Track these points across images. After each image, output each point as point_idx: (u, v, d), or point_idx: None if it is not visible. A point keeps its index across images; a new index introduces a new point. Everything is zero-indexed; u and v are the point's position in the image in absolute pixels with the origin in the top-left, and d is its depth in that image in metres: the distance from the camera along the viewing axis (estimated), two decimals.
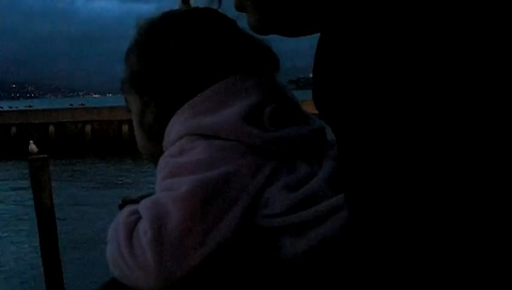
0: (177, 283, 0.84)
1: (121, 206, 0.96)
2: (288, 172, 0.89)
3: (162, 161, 0.93)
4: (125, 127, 31.57)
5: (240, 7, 0.72)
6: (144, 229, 0.85)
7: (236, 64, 0.96)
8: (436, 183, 0.47)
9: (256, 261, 0.85)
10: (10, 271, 11.76)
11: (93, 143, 33.66)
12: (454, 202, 0.46)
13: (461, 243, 0.46)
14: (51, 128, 34.59)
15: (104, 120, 34.32)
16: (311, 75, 0.59)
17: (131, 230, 0.87)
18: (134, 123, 1.03)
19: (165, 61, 0.96)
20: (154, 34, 0.99)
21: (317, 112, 0.61)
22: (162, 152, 0.95)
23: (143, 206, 0.88)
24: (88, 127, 34.57)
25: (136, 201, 0.94)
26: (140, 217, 0.88)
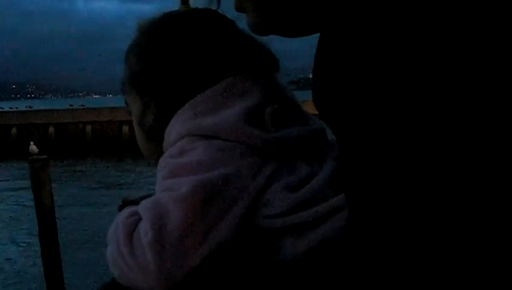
0: (178, 284, 0.84)
1: (121, 207, 0.96)
2: (288, 173, 0.89)
3: (162, 161, 0.93)
4: (125, 128, 31.58)
5: (239, 8, 0.72)
6: (144, 229, 0.85)
7: (237, 65, 0.96)
8: (436, 183, 0.47)
9: (257, 261, 0.85)
10: (10, 271, 11.76)
11: (93, 144, 33.67)
12: (454, 202, 0.46)
13: (461, 243, 0.46)
14: (51, 129, 34.59)
15: (104, 121, 34.34)
16: (311, 76, 0.59)
17: (131, 231, 0.87)
18: (135, 124, 1.03)
19: (165, 62, 0.96)
20: (154, 35, 0.99)
21: (317, 112, 0.61)
22: (162, 152, 0.95)
23: (143, 207, 0.88)
24: (88, 128, 34.58)
25: (136, 202, 0.94)
26: (140, 218, 0.88)
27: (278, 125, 0.92)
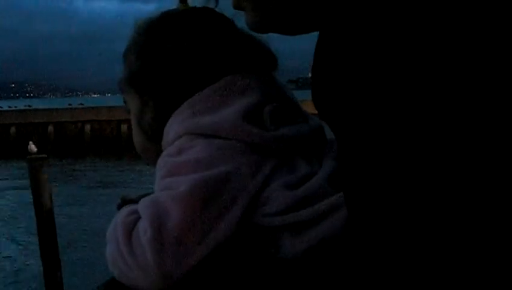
0: (177, 282, 0.84)
1: (120, 206, 0.96)
2: (288, 171, 0.89)
3: (160, 160, 0.93)
4: (124, 127, 31.54)
5: (238, 6, 0.72)
6: (143, 228, 0.85)
7: (235, 63, 0.96)
8: (436, 183, 0.47)
9: (256, 260, 0.85)
10: (10, 270, 11.75)
11: (92, 143, 33.63)
12: (454, 201, 0.46)
13: (461, 242, 0.46)
14: (50, 128, 34.56)
15: (103, 120, 34.30)
16: (310, 75, 0.59)
17: (130, 229, 0.87)
18: (133, 123, 1.03)
19: (164, 61, 0.96)
20: (153, 34, 0.99)
21: (316, 111, 0.61)
22: (161, 152, 0.95)
23: (142, 206, 0.88)
24: (87, 127, 34.55)
25: (135, 201, 0.94)
26: (139, 217, 0.88)
27: (277, 124, 0.92)
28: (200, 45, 0.96)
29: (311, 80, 0.58)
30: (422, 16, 0.48)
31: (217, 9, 1.01)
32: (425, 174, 0.47)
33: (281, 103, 0.95)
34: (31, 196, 9.99)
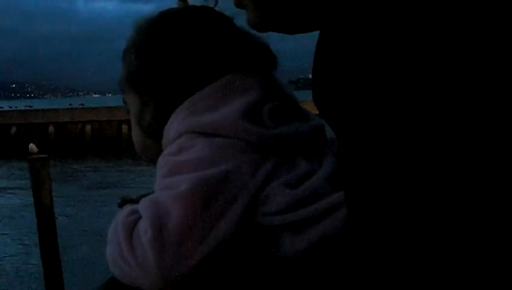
0: (178, 282, 0.84)
1: (120, 206, 0.96)
2: (288, 169, 0.89)
3: (161, 159, 0.93)
4: (124, 127, 31.49)
5: (239, 4, 0.72)
6: (144, 228, 0.85)
7: (235, 62, 0.96)
8: (436, 182, 0.47)
9: (256, 259, 0.85)
10: (10, 271, 11.74)
11: (92, 143, 33.62)
12: (453, 200, 0.46)
13: (461, 241, 0.46)
14: (51, 128, 34.53)
15: (103, 120, 34.28)
16: (310, 76, 0.59)
17: (131, 229, 0.87)
18: (133, 122, 1.03)
19: (164, 60, 0.96)
20: (153, 33, 0.99)
21: (317, 112, 0.62)
22: (161, 151, 0.95)
23: (143, 206, 0.88)
24: (88, 127, 34.52)
25: (136, 201, 0.94)
26: (139, 217, 0.88)
27: (277, 122, 0.92)
28: (200, 43, 0.96)
29: (311, 79, 0.58)
30: (422, 16, 0.48)
31: (216, 9, 1.01)
32: (425, 173, 0.47)
33: (281, 102, 0.95)
34: (32, 196, 9.99)
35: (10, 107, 45.59)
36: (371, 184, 0.51)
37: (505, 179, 0.45)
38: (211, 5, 1.00)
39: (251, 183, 0.87)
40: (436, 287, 0.48)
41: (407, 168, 0.48)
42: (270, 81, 0.97)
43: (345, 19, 0.53)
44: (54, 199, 10.03)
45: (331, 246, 0.82)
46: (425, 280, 0.48)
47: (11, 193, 20.14)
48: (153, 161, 0.98)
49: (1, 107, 44.51)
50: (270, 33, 0.72)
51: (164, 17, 1.00)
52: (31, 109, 40.94)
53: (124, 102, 1.05)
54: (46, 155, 10.45)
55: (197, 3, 1.02)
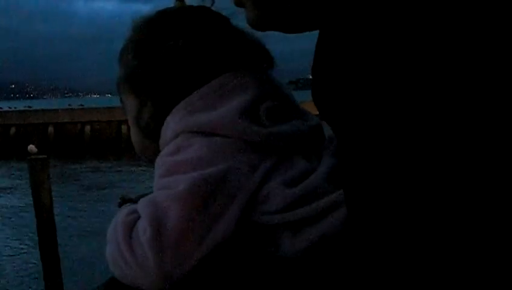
0: (177, 282, 0.84)
1: (120, 205, 0.96)
2: (287, 168, 0.89)
3: (159, 159, 0.93)
4: (124, 128, 31.48)
5: (238, 3, 0.72)
6: (143, 227, 0.85)
7: (232, 61, 0.96)
8: (435, 181, 0.47)
9: (256, 258, 0.85)
10: (9, 271, 11.74)
11: (92, 143, 33.61)
12: (454, 199, 0.46)
13: (461, 240, 0.46)
14: (50, 128, 34.53)
15: (103, 121, 34.28)
16: (310, 76, 0.59)
17: (130, 229, 0.87)
18: (130, 122, 1.03)
19: (162, 59, 0.96)
20: (150, 33, 0.99)
21: (317, 112, 0.61)
22: (158, 151, 0.95)
23: (141, 205, 0.88)
24: (87, 128, 34.52)
25: (135, 201, 0.94)
26: (139, 217, 0.88)
27: (275, 121, 0.92)
28: (197, 43, 0.96)
29: (311, 79, 0.58)
30: (422, 16, 0.48)
31: (213, 8, 1.01)
32: (425, 173, 0.47)
33: (278, 101, 0.95)
34: (31, 197, 9.99)
35: (9, 107, 45.56)
36: (371, 183, 0.51)
37: (505, 179, 0.45)
38: (208, 4, 1.00)
39: (250, 182, 0.87)
40: (436, 287, 0.48)
41: (407, 167, 0.48)
42: (268, 80, 0.97)
43: (344, 18, 0.53)
44: (53, 199, 10.03)
45: (330, 245, 0.82)
46: (425, 280, 0.48)
47: (10, 193, 20.15)
48: (152, 161, 0.98)
49: (0, 108, 44.49)
50: (269, 33, 0.72)
51: (161, 17, 1.00)
52: (31, 109, 40.92)
53: (121, 102, 1.05)
54: (46, 156, 10.45)
55: (194, 3, 1.02)
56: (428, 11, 0.48)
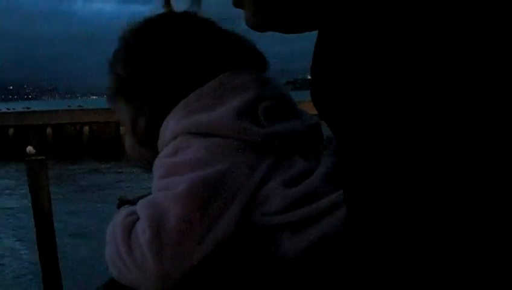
0: (177, 282, 0.84)
1: (119, 206, 0.96)
2: (286, 168, 0.89)
3: (157, 161, 0.92)
4: (122, 129, 31.35)
5: (237, 3, 0.72)
6: (142, 229, 0.85)
7: (226, 61, 0.96)
8: (435, 181, 0.47)
9: (256, 259, 0.85)
10: (9, 271, 11.73)
11: (90, 144, 33.59)
12: (453, 199, 0.46)
13: (461, 240, 0.46)
14: (49, 129, 34.50)
15: (101, 122, 34.25)
16: (308, 77, 0.59)
17: (129, 230, 0.87)
18: (126, 132, 1.02)
19: (156, 64, 0.96)
20: (140, 39, 0.99)
21: (315, 112, 0.62)
22: (156, 157, 0.95)
23: (140, 207, 0.88)
24: (86, 129, 34.50)
25: (133, 202, 0.94)
26: (137, 218, 0.88)
27: (273, 120, 0.92)
28: (190, 44, 0.96)
29: (310, 79, 0.58)
30: (421, 16, 0.48)
31: (200, 13, 1.02)
32: (424, 173, 0.47)
33: (276, 101, 0.95)
34: (30, 198, 9.97)
35: (8, 109, 45.50)
36: (371, 184, 0.51)
37: (505, 179, 0.45)
38: (196, 9, 1.01)
39: (249, 182, 0.87)
40: (436, 287, 0.48)
41: (406, 167, 0.48)
42: (264, 80, 0.97)
43: (344, 18, 0.53)
44: (52, 200, 10.01)
45: (330, 245, 0.82)
46: (425, 280, 0.48)
47: (9, 195, 20.13)
48: (148, 169, 0.98)
49: None
50: (268, 33, 0.72)
51: (149, 23, 1.01)
52: (29, 110, 40.88)
53: (113, 111, 1.05)
54: (44, 157, 10.43)
55: (182, 7, 1.03)
56: (427, 12, 0.48)
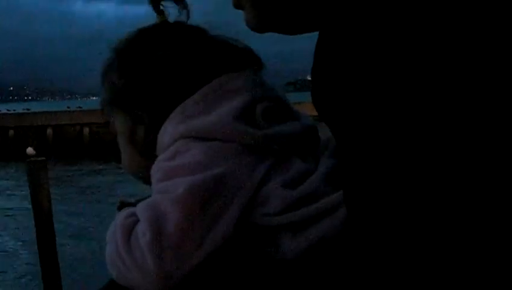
0: (177, 284, 0.84)
1: (119, 208, 0.96)
2: (285, 170, 0.89)
3: (155, 166, 0.93)
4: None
5: (237, 5, 0.72)
6: (142, 230, 0.85)
7: (222, 66, 0.96)
8: (435, 181, 0.47)
9: (255, 260, 0.85)
10: (9, 272, 11.74)
11: (91, 145, 33.61)
12: (453, 199, 0.46)
13: (461, 241, 0.46)
14: (49, 130, 34.53)
15: (101, 122, 34.20)
16: (308, 77, 0.59)
17: (129, 232, 0.87)
18: (123, 142, 1.02)
19: (151, 72, 0.96)
20: (134, 49, 0.99)
21: (315, 113, 0.61)
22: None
23: (140, 209, 0.88)
24: (86, 130, 34.52)
25: (134, 204, 0.94)
26: (138, 220, 0.88)
27: (270, 122, 0.92)
28: (184, 51, 0.97)
29: (310, 81, 0.58)
30: (422, 16, 0.48)
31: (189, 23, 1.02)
32: (424, 173, 0.47)
33: (272, 102, 0.95)
34: (30, 199, 9.97)
35: (8, 110, 45.52)
36: (370, 184, 0.51)
37: (505, 179, 0.45)
38: (183, 19, 1.01)
39: (248, 184, 0.87)
40: (436, 287, 0.48)
41: (406, 168, 0.48)
42: (260, 82, 0.98)
43: (344, 19, 0.53)
44: (52, 201, 10.01)
45: (330, 246, 0.82)
46: (425, 280, 0.48)
47: (9, 195, 20.14)
48: (147, 181, 0.97)
49: None
50: (268, 34, 0.72)
51: (142, 34, 1.01)
52: (29, 111, 40.90)
53: (108, 123, 1.04)
54: (44, 158, 10.43)
55: (171, 17, 1.03)
56: (427, 13, 0.48)
